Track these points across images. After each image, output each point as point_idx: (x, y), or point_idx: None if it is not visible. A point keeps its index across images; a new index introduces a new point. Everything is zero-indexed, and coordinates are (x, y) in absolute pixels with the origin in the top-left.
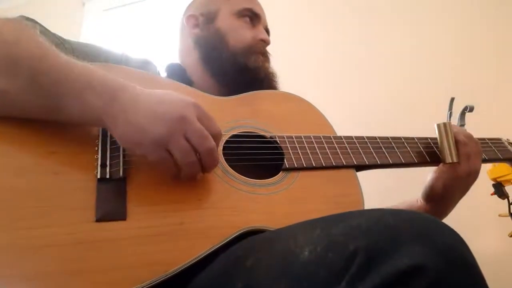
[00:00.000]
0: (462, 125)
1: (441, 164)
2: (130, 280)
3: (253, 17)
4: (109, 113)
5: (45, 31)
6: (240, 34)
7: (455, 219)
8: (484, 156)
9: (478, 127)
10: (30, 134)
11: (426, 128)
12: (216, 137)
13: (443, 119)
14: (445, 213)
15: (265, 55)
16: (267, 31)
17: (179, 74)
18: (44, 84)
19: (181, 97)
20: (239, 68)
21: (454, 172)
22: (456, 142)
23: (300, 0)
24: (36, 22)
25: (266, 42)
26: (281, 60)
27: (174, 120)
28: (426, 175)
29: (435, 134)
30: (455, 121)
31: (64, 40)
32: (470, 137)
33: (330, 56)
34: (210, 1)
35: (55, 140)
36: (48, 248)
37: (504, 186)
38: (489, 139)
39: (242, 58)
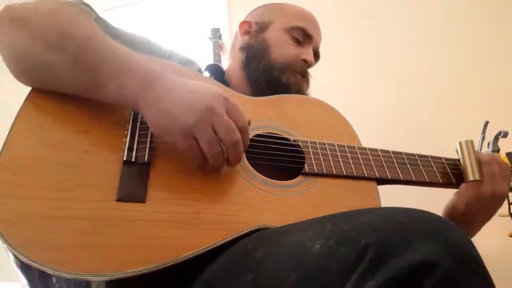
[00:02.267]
0: (495, 150)
1: (463, 183)
2: (140, 260)
3: (304, 37)
4: (144, 97)
5: (96, 18)
6: (283, 49)
7: None
8: None
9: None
10: (68, 111)
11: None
12: (243, 130)
13: (466, 134)
14: (468, 235)
15: (304, 76)
16: (317, 54)
17: (217, 74)
18: (88, 61)
19: (213, 89)
20: (271, 81)
21: (477, 191)
22: (479, 162)
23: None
24: (92, 9)
25: (308, 64)
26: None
27: (202, 110)
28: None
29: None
30: (486, 146)
31: (110, 26)
32: (493, 158)
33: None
34: (267, 12)
35: (89, 120)
36: (68, 220)
37: None
38: None
39: (277, 72)
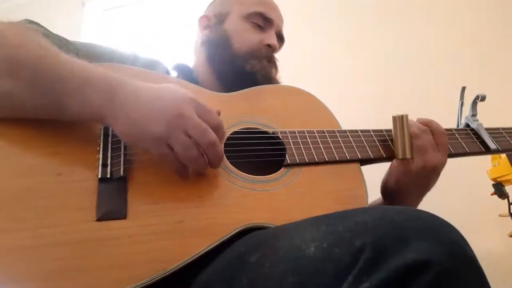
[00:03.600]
0: (474, 114)
1: (394, 160)
2: (129, 278)
3: (265, 21)
4: (109, 109)
5: (48, 33)
6: (245, 37)
7: (455, 219)
8: (450, 149)
9: (490, 117)
10: (33, 135)
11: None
12: (217, 129)
13: (454, 108)
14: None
15: (271, 61)
16: (281, 37)
17: (185, 74)
18: (45, 83)
19: (179, 91)
20: (237, 71)
21: (406, 167)
22: (411, 137)
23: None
24: (40, 26)
25: (272, 48)
26: (284, 59)
27: (172, 117)
28: None
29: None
30: (466, 110)
31: (68, 41)
32: (425, 129)
33: (334, 50)
34: (224, 2)
35: (58, 141)
36: (51, 247)
37: (504, 186)
38: (456, 130)
39: (240, 61)
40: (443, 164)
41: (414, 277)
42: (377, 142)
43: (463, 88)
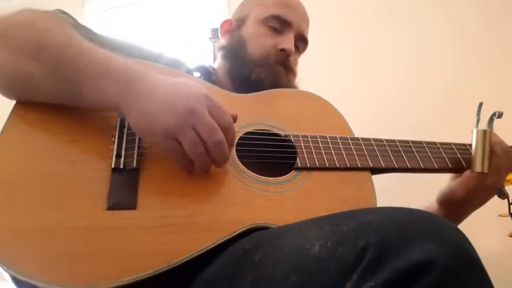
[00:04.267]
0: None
1: (468, 171)
2: (133, 268)
3: (282, 24)
4: (124, 99)
5: (76, 25)
6: (259, 43)
7: None
8: None
9: (506, 134)
10: (54, 121)
11: (446, 132)
12: (227, 130)
13: (470, 123)
14: (456, 221)
15: (285, 65)
16: (303, 39)
17: (205, 75)
18: (66, 70)
19: (195, 88)
20: (242, 80)
21: (481, 182)
22: (492, 153)
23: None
24: (70, 16)
25: (287, 52)
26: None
27: (183, 112)
28: (427, 178)
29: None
30: (482, 127)
31: (93, 33)
32: (507, 151)
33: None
34: (244, 6)
35: (76, 129)
36: (59, 232)
37: (504, 186)
38: None
39: (247, 69)
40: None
41: (418, 278)
42: (390, 152)
43: (480, 104)
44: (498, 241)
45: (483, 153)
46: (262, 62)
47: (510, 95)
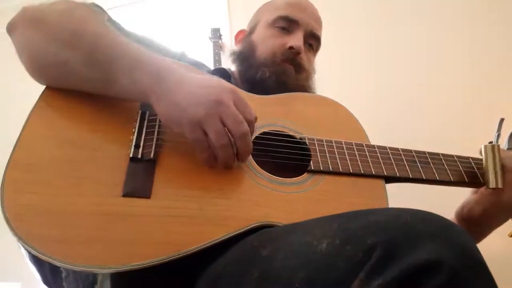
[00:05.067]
0: (510, 148)
1: (483, 188)
2: (144, 254)
3: (290, 24)
4: (155, 91)
5: (109, 19)
6: (267, 44)
7: None
8: None
9: None
10: (79, 110)
11: (466, 147)
12: (251, 123)
13: (488, 139)
14: (478, 237)
15: (294, 63)
16: (315, 36)
17: (224, 77)
18: (100, 58)
19: (221, 82)
20: (250, 81)
21: (496, 198)
22: (504, 168)
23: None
24: (103, 10)
25: (296, 49)
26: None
27: (211, 102)
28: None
29: (479, 155)
30: (502, 143)
31: (122, 28)
32: None
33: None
34: (256, 13)
35: (99, 119)
36: (76, 215)
37: None
38: None
39: (254, 70)
40: None
41: (424, 277)
42: (405, 161)
43: (502, 120)
44: (498, 241)
45: (495, 168)
46: (269, 62)
47: None
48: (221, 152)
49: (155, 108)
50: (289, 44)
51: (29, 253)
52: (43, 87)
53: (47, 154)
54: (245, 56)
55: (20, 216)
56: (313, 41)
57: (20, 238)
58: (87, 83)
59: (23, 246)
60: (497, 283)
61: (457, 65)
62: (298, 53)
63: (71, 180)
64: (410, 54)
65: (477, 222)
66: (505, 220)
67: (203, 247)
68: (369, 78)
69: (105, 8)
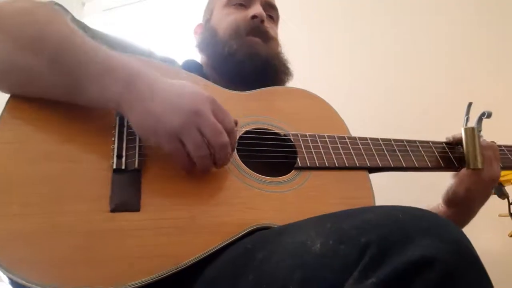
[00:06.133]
0: (479, 130)
1: (464, 169)
2: (139, 271)
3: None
4: (127, 98)
5: (72, 19)
6: (227, 22)
7: None
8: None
9: (494, 134)
10: (50, 120)
11: (440, 131)
12: (230, 132)
13: (458, 123)
14: (467, 220)
15: (260, 32)
16: (271, 5)
17: (196, 70)
18: (66, 63)
19: (198, 90)
20: (221, 60)
21: (477, 177)
22: (481, 149)
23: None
24: (64, 8)
25: (259, 17)
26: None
27: (189, 113)
28: (427, 178)
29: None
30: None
31: (87, 27)
32: (489, 143)
33: (341, 56)
34: (208, 4)
35: (74, 128)
36: (61, 235)
37: (504, 186)
38: (505, 146)
39: (221, 48)
40: (499, 177)
41: (418, 274)
42: (385, 151)
43: (470, 104)
44: (498, 241)
45: (475, 149)
46: (234, 35)
47: (499, 95)
48: (200, 162)
49: (128, 118)
50: (250, 14)
51: (13, 280)
52: (7, 96)
53: (19, 171)
54: (208, 41)
55: None
56: (271, 11)
57: (1, 266)
58: (53, 90)
59: (5, 275)
60: (497, 283)
61: (430, 55)
62: (261, 20)
63: (50, 197)
64: (384, 44)
65: (463, 202)
66: (487, 195)
67: (200, 257)
68: (343, 67)
69: (104, 8)
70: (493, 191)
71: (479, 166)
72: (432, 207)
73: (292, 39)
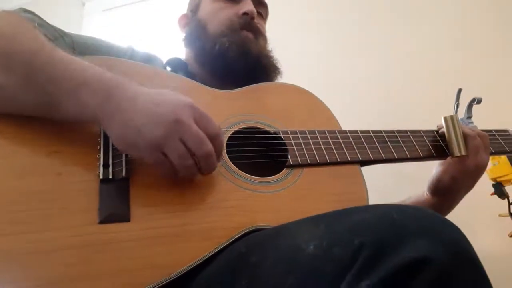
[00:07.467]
0: (469, 117)
1: (449, 157)
2: (134, 283)
3: None
4: (105, 112)
5: (44, 24)
6: (218, 17)
7: (455, 219)
8: (490, 149)
9: (486, 120)
10: (31, 133)
11: (433, 120)
12: (215, 138)
13: (450, 111)
14: (451, 207)
15: (251, 29)
16: (261, 2)
17: (181, 68)
18: (39, 80)
19: (178, 98)
20: (210, 57)
21: (462, 165)
22: (464, 135)
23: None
24: (35, 15)
25: (250, 14)
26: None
27: (169, 123)
28: (424, 171)
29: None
30: (462, 113)
31: (64, 33)
32: (477, 131)
33: (331, 51)
34: None
35: (57, 139)
36: (51, 253)
37: (504, 186)
38: (496, 130)
39: (211, 44)
40: (487, 164)
41: (414, 275)
42: (377, 143)
43: (459, 90)
44: (498, 241)
45: (456, 137)
46: (227, 31)
47: (491, 83)
48: (184, 172)
49: (108, 132)
50: (242, 11)
51: None
52: None
53: (4, 188)
54: (196, 35)
55: None
56: (261, 8)
57: None
58: (29, 108)
59: None
60: (497, 283)
61: (420, 45)
62: (252, 17)
63: (38, 214)
64: (377, 38)
65: (448, 191)
66: (472, 183)
67: (194, 265)
68: (342, 66)
69: (104, 8)
70: (493, 191)
71: (463, 153)
72: (417, 195)
73: (291, 38)
